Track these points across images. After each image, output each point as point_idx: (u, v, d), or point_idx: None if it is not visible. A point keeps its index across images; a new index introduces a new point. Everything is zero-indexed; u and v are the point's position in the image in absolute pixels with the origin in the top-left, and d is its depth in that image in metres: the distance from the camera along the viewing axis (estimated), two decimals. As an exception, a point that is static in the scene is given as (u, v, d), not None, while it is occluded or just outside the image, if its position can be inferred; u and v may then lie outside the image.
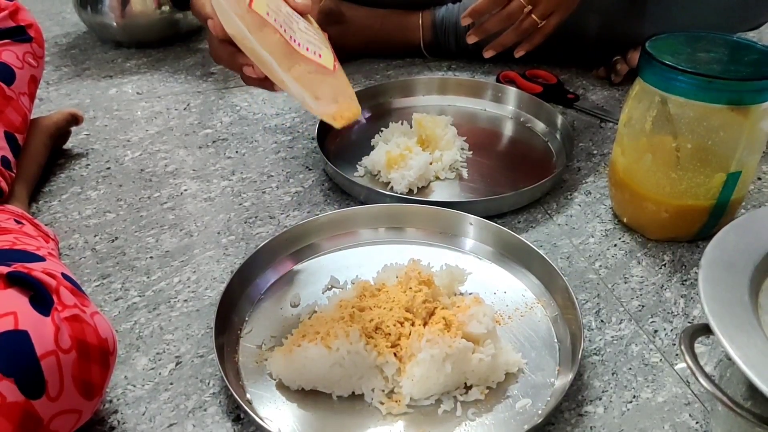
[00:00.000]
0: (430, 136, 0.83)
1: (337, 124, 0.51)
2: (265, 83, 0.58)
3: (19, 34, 0.73)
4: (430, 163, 0.79)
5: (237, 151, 0.87)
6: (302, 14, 0.60)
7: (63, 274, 0.48)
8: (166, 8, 1.11)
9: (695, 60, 0.62)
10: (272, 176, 0.82)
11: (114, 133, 0.90)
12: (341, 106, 0.52)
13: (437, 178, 0.80)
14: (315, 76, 0.53)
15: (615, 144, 0.71)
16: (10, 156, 0.69)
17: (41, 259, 0.53)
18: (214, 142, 0.89)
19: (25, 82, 0.73)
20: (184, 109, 0.96)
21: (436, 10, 1.06)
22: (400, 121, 0.87)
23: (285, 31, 0.54)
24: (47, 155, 0.80)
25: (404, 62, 1.10)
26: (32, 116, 0.76)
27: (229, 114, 0.95)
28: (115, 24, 1.10)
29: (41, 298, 0.44)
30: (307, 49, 0.55)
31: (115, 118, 0.94)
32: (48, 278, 0.45)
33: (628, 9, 0.96)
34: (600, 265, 0.68)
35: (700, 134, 0.62)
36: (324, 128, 0.85)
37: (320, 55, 0.56)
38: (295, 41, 0.54)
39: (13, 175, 0.70)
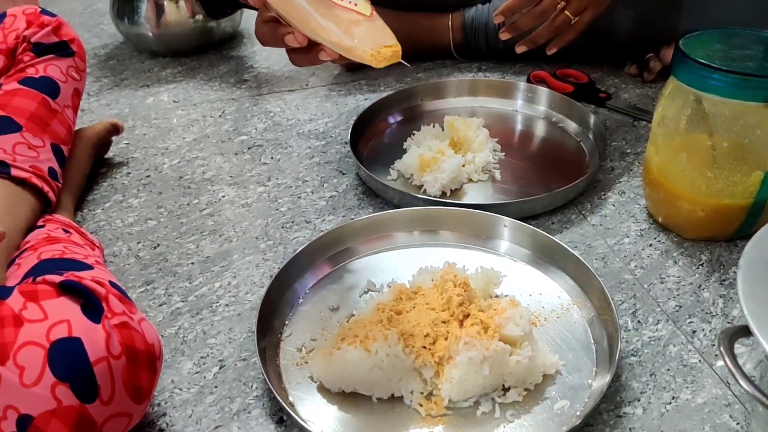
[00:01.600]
0: (462, 138, 0.83)
1: (378, 64, 0.54)
2: (310, 55, 0.59)
3: (63, 49, 0.76)
4: (463, 166, 0.80)
5: (272, 157, 0.88)
6: None
7: (111, 282, 0.50)
8: (199, 17, 1.13)
9: (729, 57, 0.62)
10: (307, 181, 0.83)
11: (153, 142, 0.93)
12: (380, 46, 0.54)
13: (470, 180, 0.80)
14: (351, 21, 0.56)
15: (649, 143, 0.71)
16: (56, 167, 0.71)
17: (90, 267, 0.55)
18: (249, 148, 0.90)
19: (68, 95, 0.75)
20: (220, 116, 0.98)
21: (465, 12, 1.07)
22: (432, 124, 0.88)
23: None
24: (90, 165, 0.83)
25: (434, 64, 1.11)
26: (75, 127, 0.79)
27: (263, 120, 0.97)
28: (150, 34, 1.13)
29: (92, 305, 0.46)
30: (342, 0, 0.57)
31: (153, 126, 0.96)
32: (98, 286, 0.47)
33: (661, 4, 0.95)
34: (635, 266, 0.68)
35: (736, 132, 0.62)
36: (357, 132, 0.87)
37: (356, 4, 0.58)
38: None
39: (60, 185, 0.72)
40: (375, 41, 0.55)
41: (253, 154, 0.89)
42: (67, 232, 0.64)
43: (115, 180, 0.85)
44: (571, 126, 0.89)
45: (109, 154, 0.90)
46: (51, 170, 0.70)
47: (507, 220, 0.68)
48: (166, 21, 1.12)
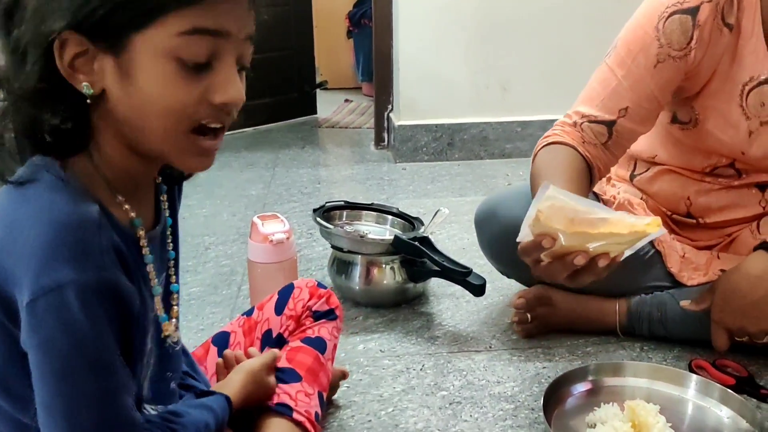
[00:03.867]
0: (642, 423, 0.96)
1: (651, 229, 0.83)
2: (592, 265, 0.86)
3: (331, 314, 0.99)
4: (646, 450, 0.92)
5: (471, 416, 1.04)
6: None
7: None
8: (400, 279, 1.38)
9: None
10: (504, 443, 0.98)
11: (368, 388, 1.12)
12: (650, 222, 0.84)
13: (652, 468, 0.92)
14: (624, 216, 0.85)
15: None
16: (320, 412, 0.91)
17: None
18: (450, 404, 1.07)
19: (331, 350, 0.97)
20: (420, 369, 1.17)
21: (632, 299, 1.25)
22: (612, 403, 1.02)
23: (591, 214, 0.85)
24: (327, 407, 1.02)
25: (600, 339, 1.27)
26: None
27: (458, 378, 1.15)
28: (358, 288, 1.39)
29: None
30: (601, 213, 0.85)
31: (367, 373, 1.16)
32: None
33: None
34: None
35: None
36: (546, 402, 1.02)
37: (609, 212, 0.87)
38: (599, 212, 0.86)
39: (321, 428, 0.91)
40: (643, 220, 0.84)
41: (454, 410, 1.06)
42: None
43: (342, 421, 1.03)
44: (742, 423, 1.00)
45: (336, 395, 1.09)
46: (316, 415, 0.90)
47: None
48: (373, 279, 1.38)
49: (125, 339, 0.63)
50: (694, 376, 1.09)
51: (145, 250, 0.68)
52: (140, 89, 0.60)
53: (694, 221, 1.27)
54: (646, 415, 0.97)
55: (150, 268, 0.69)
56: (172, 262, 0.75)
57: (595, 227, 0.83)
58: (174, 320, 0.74)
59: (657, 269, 1.24)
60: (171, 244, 0.74)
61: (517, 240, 0.88)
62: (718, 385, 1.06)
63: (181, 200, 0.79)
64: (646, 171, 1.31)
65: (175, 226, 0.76)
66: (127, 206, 0.66)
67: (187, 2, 0.58)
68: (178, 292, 0.75)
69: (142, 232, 0.67)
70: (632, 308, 1.24)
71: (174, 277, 0.75)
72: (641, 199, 1.32)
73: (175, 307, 0.75)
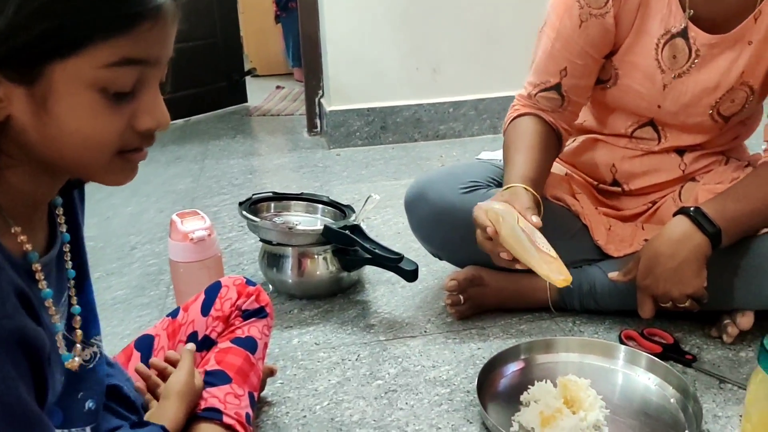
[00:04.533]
0: (574, 398, 0.98)
1: (560, 284, 0.97)
2: (509, 264, 1.01)
3: (261, 312, 0.96)
4: (578, 422, 0.94)
5: (406, 403, 1.04)
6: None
7: None
8: (333, 269, 1.36)
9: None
10: (440, 428, 0.98)
11: (303, 383, 1.10)
12: (564, 277, 0.97)
13: (583, 436, 0.94)
14: (547, 260, 0.97)
15: (744, 419, 0.84)
16: (251, 412, 0.88)
17: None
18: (386, 393, 1.07)
19: (262, 349, 0.95)
20: (356, 359, 1.16)
21: (561, 275, 1.26)
22: (545, 380, 1.03)
23: (531, 235, 0.99)
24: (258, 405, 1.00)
25: (533, 316, 1.28)
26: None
27: (393, 365, 1.14)
28: (291, 281, 1.36)
29: None
30: (542, 246, 0.98)
31: (301, 367, 1.14)
32: None
33: (727, 280, 1.12)
34: None
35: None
36: (480, 384, 1.02)
37: (549, 250, 0.99)
38: (536, 242, 0.98)
39: (252, 429, 0.89)
40: (561, 274, 0.97)
41: (390, 398, 1.05)
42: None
43: (277, 419, 1.01)
44: (669, 389, 1.03)
45: (267, 392, 1.07)
46: (247, 416, 0.87)
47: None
48: (306, 271, 1.35)
49: (39, 383, 0.59)
50: (622, 347, 1.11)
51: (42, 284, 0.62)
52: (57, 119, 0.55)
53: (620, 189, 1.30)
54: (578, 390, 0.98)
55: (49, 302, 0.63)
56: (73, 281, 0.69)
57: (524, 251, 0.98)
58: (79, 346, 0.69)
59: (585, 243, 1.26)
60: (69, 263, 0.68)
61: (479, 203, 1.03)
62: (645, 353, 1.09)
63: (84, 204, 0.74)
64: (573, 142, 1.33)
65: (77, 239, 0.70)
66: (22, 237, 0.60)
67: (116, 31, 0.54)
68: (80, 314, 0.70)
69: (38, 266, 0.61)
70: (562, 283, 1.26)
71: (75, 298, 0.69)
72: (566, 174, 1.34)
73: (79, 331, 0.70)
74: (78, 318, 0.70)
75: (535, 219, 1.01)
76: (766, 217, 1.08)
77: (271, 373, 1.07)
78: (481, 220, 1.02)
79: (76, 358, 0.68)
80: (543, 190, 1.18)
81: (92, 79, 0.54)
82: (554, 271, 0.96)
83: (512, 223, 0.98)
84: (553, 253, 0.98)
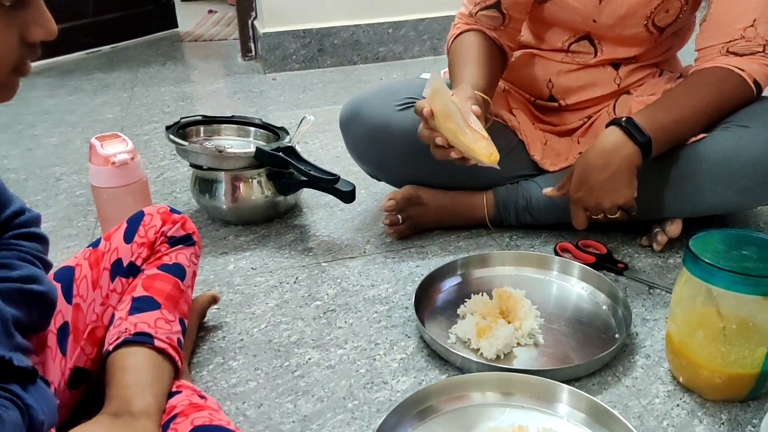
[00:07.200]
0: (509, 308, 0.99)
1: (488, 162, 0.95)
2: (445, 152, 0.99)
3: (187, 240, 0.93)
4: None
5: (345, 321, 1.04)
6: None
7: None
8: (269, 193, 1.32)
9: (731, 258, 0.79)
10: (378, 344, 0.98)
11: (240, 307, 1.08)
12: (492, 154, 0.95)
13: (518, 344, 0.95)
14: (477, 137, 0.96)
15: (669, 320, 0.87)
16: (182, 338, 0.86)
17: (238, 433, 0.68)
18: (324, 313, 1.06)
19: (190, 277, 0.92)
20: (294, 282, 1.15)
21: (497, 191, 1.26)
22: (481, 293, 1.04)
23: (465, 115, 0.97)
24: (197, 333, 0.98)
25: (471, 233, 1.29)
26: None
27: (332, 286, 1.13)
28: (225, 207, 1.32)
29: None
30: (474, 125, 0.96)
31: (238, 292, 1.12)
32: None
33: (658, 190, 1.14)
34: (667, 424, 0.81)
35: (741, 317, 0.78)
36: (417, 300, 1.02)
37: (481, 130, 0.97)
38: (468, 121, 0.96)
39: (182, 353, 0.87)
40: (489, 150, 0.95)
41: (328, 318, 1.05)
42: (202, 398, 0.78)
43: (213, 344, 1.00)
44: (601, 297, 1.05)
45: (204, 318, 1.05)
46: (179, 340, 0.85)
47: (566, 387, 0.82)
48: (240, 196, 1.31)
49: None
50: (556, 259, 1.12)
51: None
52: None
53: (557, 104, 1.29)
54: (512, 301, 0.99)
55: None
56: None
57: (457, 129, 0.96)
58: None
59: (521, 158, 1.26)
60: None
61: (423, 94, 0.98)
62: (579, 264, 1.10)
63: None
64: (511, 59, 1.31)
65: None
66: None
67: None
68: None
69: None
70: (499, 199, 1.26)
71: None
72: (504, 90, 1.32)
73: None
74: None
75: (475, 108, 0.99)
76: (694, 126, 1.09)
77: (213, 300, 1.04)
78: (419, 103, 1.00)
79: None
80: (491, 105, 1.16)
81: None
82: (483, 148, 0.96)
83: (446, 99, 0.96)
84: (484, 133, 0.97)
